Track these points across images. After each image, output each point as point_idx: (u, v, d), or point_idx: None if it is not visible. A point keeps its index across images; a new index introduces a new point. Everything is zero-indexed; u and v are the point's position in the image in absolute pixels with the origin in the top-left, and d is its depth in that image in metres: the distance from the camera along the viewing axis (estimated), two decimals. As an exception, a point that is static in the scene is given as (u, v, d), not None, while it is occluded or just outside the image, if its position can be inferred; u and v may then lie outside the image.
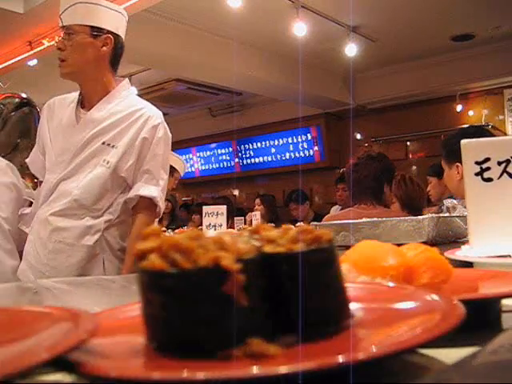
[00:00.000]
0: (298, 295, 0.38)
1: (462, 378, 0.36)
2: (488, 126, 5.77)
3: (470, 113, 6.58)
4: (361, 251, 0.59)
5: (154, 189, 1.85)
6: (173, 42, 5.25)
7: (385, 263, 0.54)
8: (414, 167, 6.82)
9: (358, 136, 7.38)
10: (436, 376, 0.36)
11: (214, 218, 3.40)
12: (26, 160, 2.05)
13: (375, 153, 2.93)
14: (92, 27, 1.83)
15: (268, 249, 0.39)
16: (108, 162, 1.80)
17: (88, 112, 1.86)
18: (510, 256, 0.84)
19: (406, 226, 1.54)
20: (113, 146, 1.82)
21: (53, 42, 4.72)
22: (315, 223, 1.76)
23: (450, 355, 0.41)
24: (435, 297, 0.44)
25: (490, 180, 0.94)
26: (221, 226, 3.39)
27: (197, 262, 0.35)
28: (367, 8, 4.88)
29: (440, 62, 6.19)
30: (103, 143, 1.82)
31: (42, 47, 4.93)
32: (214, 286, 0.35)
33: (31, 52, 5.09)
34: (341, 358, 0.32)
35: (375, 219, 1.60)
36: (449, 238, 1.60)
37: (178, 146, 8.32)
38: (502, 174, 0.93)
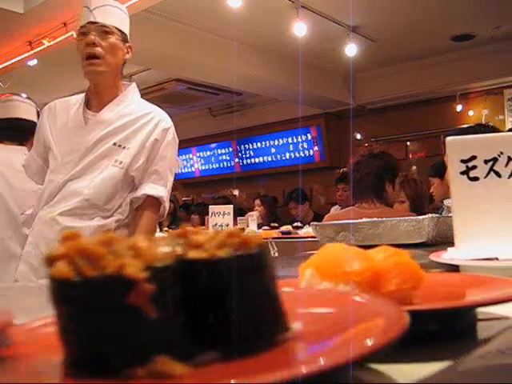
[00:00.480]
0: (218, 306, 0.34)
1: (462, 378, 0.36)
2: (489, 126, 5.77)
3: (470, 113, 6.58)
4: (325, 255, 0.55)
5: (161, 189, 1.87)
6: (173, 42, 5.25)
7: (348, 268, 0.50)
8: (414, 167, 6.83)
9: (358, 136, 7.38)
10: (436, 376, 0.36)
11: (221, 217, 3.40)
12: (22, 163, 2.04)
13: (377, 151, 2.93)
14: (122, 32, 1.84)
15: (191, 255, 0.35)
16: (121, 163, 1.81)
17: (97, 113, 1.86)
18: (497, 259, 0.80)
19: (406, 226, 1.53)
20: (124, 147, 1.83)
21: (52, 42, 4.73)
22: (315, 223, 1.76)
23: (412, 371, 0.37)
24: (381, 306, 0.39)
25: (476, 179, 0.89)
26: (227, 225, 3.39)
27: (104, 269, 0.32)
28: (367, 8, 4.89)
29: (440, 62, 6.19)
30: (114, 144, 1.82)
31: (42, 47, 4.93)
32: (117, 297, 0.32)
33: (31, 52, 5.09)
34: (260, 379, 0.28)
35: (375, 219, 1.60)
36: (449, 238, 1.60)
37: (178, 145, 8.32)
38: (488, 173, 0.89)
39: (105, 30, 1.79)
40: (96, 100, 1.89)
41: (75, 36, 1.88)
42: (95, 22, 1.78)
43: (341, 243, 0.56)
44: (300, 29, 4.79)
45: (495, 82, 6.22)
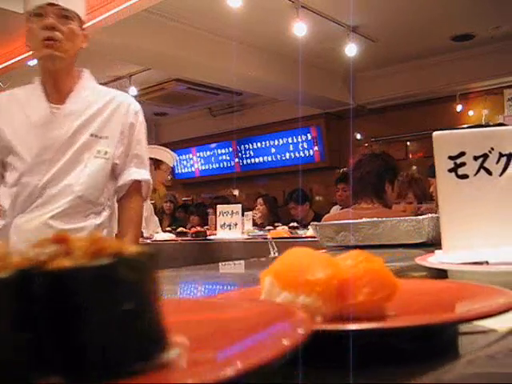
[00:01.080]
0: (56, 325, 0.30)
1: (461, 378, 0.36)
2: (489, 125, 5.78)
3: (470, 113, 6.58)
4: (287, 261, 0.48)
5: (144, 171, 1.86)
6: (173, 42, 5.25)
7: (311, 276, 0.44)
8: (414, 167, 6.83)
9: (358, 136, 7.39)
10: (436, 376, 0.36)
11: (229, 217, 3.39)
12: None
13: (379, 151, 2.93)
14: (80, 19, 1.71)
15: (48, 265, 0.31)
16: (106, 153, 1.76)
17: (62, 105, 1.74)
18: (487, 263, 0.74)
19: (406, 226, 1.53)
20: (101, 137, 1.76)
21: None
22: (315, 223, 1.76)
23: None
24: (283, 318, 0.35)
25: (465, 177, 0.82)
26: (236, 225, 3.38)
27: None
28: (367, 8, 4.89)
29: (440, 62, 6.19)
30: (91, 135, 1.74)
31: (41, 47, 4.93)
32: None
33: (31, 52, 5.08)
34: None
35: (375, 219, 1.60)
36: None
37: (178, 145, 8.33)
38: (478, 171, 0.82)
39: (65, 15, 1.65)
40: (54, 91, 1.75)
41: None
42: (55, 5, 1.64)
43: (305, 248, 0.50)
44: (300, 29, 4.79)
45: (495, 82, 6.22)
